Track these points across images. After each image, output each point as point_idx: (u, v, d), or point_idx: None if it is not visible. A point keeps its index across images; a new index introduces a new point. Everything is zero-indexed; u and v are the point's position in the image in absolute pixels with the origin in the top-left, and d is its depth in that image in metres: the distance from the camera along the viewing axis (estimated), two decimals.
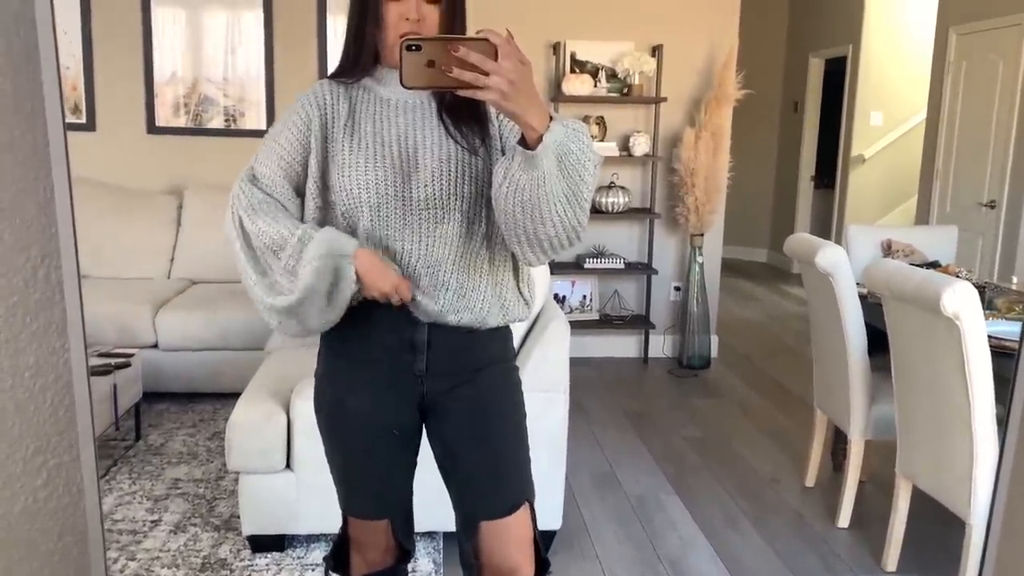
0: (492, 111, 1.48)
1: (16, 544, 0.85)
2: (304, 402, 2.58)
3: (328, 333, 1.55)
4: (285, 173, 1.48)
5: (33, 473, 0.87)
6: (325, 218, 1.49)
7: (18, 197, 0.82)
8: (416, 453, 1.63)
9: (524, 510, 1.58)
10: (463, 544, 1.62)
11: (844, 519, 3.01)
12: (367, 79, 1.50)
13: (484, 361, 1.56)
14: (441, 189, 1.43)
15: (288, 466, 2.63)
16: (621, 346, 5.18)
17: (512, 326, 1.64)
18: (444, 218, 1.44)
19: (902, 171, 7.30)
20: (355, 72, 1.48)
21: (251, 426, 2.59)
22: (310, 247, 1.41)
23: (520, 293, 1.59)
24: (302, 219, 1.50)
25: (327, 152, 1.47)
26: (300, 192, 1.50)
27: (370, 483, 1.61)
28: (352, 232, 1.47)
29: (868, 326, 2.89)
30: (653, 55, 4.80)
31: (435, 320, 1.49)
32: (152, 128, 4.81)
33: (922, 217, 5.79)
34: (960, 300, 2.15)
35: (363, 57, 1.46)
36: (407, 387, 1.54)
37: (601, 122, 4.85)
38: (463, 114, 1.44)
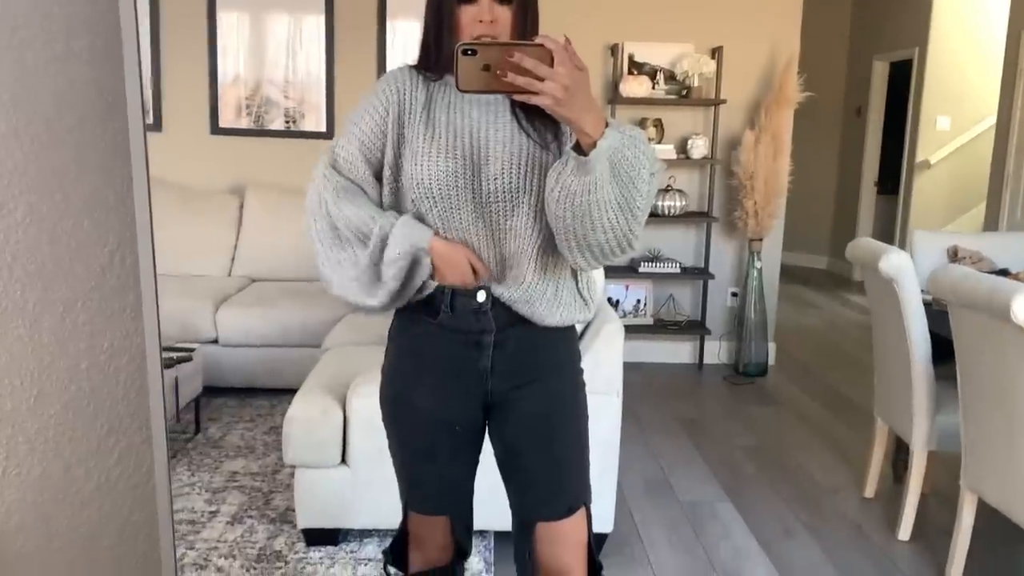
0: None
1: (89, 520, 0.87)
2: (360, 399, 2.61)
3: (395, 329, 1.59)
4: (365, 158, 1.50)
5: (106, 453, 0.89)
6: (397, 204, 1.51)
7: (99, 189, 0.84)
8: (479, 451, 1.64)
9: (580, 514, 1.58)
10: (518, 544, 1.62)
11: (905, 532, 2.93)
12: (447, 76, 1.50)
13: (550, 363, 1.57)
14: (511, 182, 1.43)
15: (344, 461, 2.66)
16: (675, 352, 5.13)
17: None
18: (514, 212, 1.45)
19: (969, 177, 7.10)
20: (433, 68, 1.50)
21: (308, 421, 2.63)
22: (390, 245, 1.44)
23: (580, 293, 1.58)
24: (380, 205, 1.52)
25: (402, 138, 1.48)
26: (379, 177, 1.52)
27: (431, 479, 1.61)
28: (421, 220, 1.48)
29: (932, 334, 2.81)
30: (713, 57, 4.75)
31: (505, 311, 1.50)
32: (215, 129, 4.92)
33: (991, 223, 5.61)
34: None
35: (441, 59, 1.47)
36: (471, 384, 1.54)
37: (659, 124, 4.81)
38: (536, 109, 1.41)
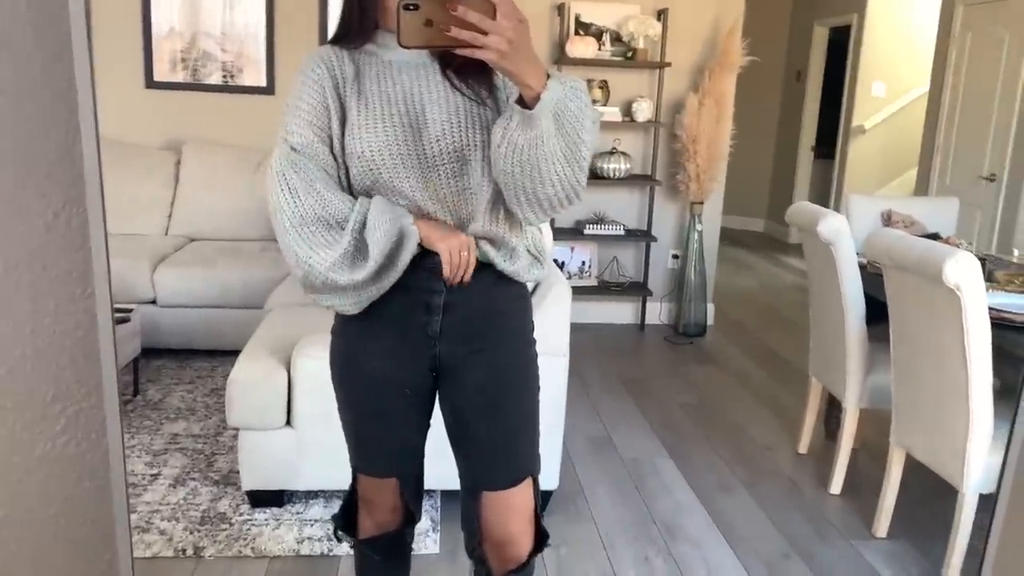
0: None
1: (35, 488, 0.86)
2: (305, 360, 2.58)
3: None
4: (318, 137, 1.43)
5: (52, 419, 0.88)
6: (347, 180, 1.46)
7: (38, 140, 0.81)
8: (429, 415, 1.63)
9: (527, 483, 1.59)
10: (465, 509, 1.63)
11: (836, 486, 3.05)
12: (369, 44, 1.47)
13: (502, 331, 1.55)
14: (454, 141, 1.41)
15: (288, 423, 2.65)
16: (619, 313, 5.20)
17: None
18: (463, 171, 1.42)
19: (903, 143, 7.29)
20: (356, 38, 1.46)
21: (252, 383, 2.60)
22: (371, 213, 1.39)
23: (530, 251, 1.57)
24: (343, 185, 1.46)
25: (344, 111, 1.44)
26: (335, 154, 1.45)
27: (381, 440, 1.61)
28: (368, 196, 1.44)
29: (867, 297, 2.90)
30: (659, 19, 4.76)
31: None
32: (150, 83, 4.75)
33: (921, 189, 5.79)
34: (962, 271, 2.16)
35: (365, 21, 1.44)
36: (420, 348, 1.52)
37: (604, 86, 4.81)
38: (466, 67, 1.41)
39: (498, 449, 1.56)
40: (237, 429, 2.67)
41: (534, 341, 1.62)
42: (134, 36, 4.69)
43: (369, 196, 1.44)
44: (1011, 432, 0.91)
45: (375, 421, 1.59)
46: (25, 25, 0.76)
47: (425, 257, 1.46)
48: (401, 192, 1.42)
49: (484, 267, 1.50)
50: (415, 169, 1.41)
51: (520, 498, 1.58)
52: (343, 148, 1.44)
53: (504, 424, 1.56)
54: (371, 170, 1.41)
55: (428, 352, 1.52)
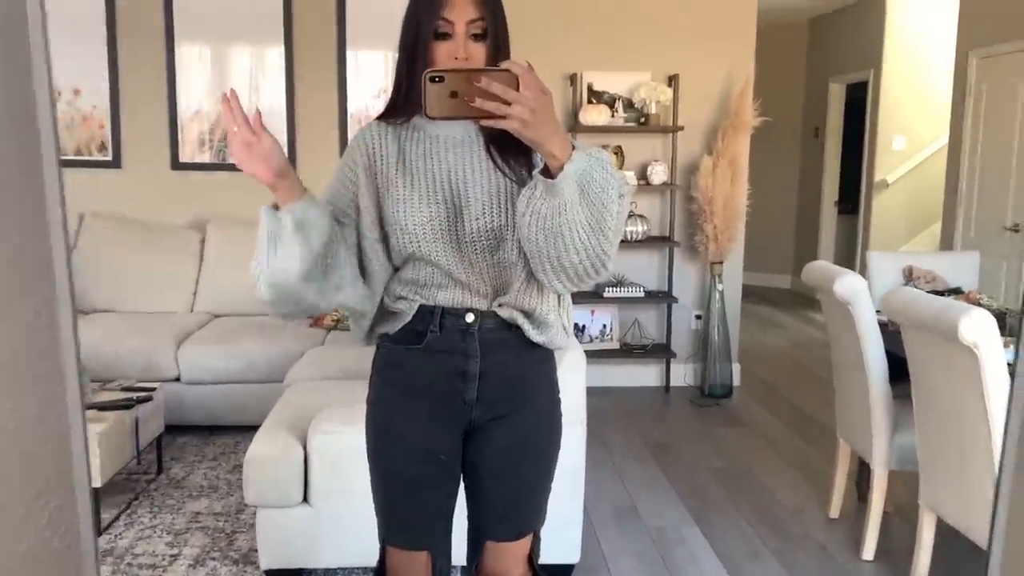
0: None
1: None
2: (321, 436, 2.59)
3: (380, 359, 1.61)
4: (329, 200, 1.52)
5: (37, 514, 0.89)
6: (385, 251, 1.53)
7: (22, 242, 0.83)
8: (459, 481, 1.66)
9: (529, 535, 1.67)
10: (470, 552, 1.70)
11: (869, 551, 2.95)
12: (415, 118, 1.53)
13: (530, 393, 1.61)
14: (492, 221, 1.46)
15: (306, 499, 2.64)
16: (642, 375, 5.15)
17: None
18: (498, 247, 1.48)
19: (926, 195, 7.24)
20: (404, 111, 1.52)
21: (268, 460, 2.60)
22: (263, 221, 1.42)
23: (561, 320, 1.61)
24: (359, 252, 1.51)
25: (379, 189, 1.51)
26: (338, 217, 1.49)
27: (414, 508, 1.62)
28: (406, 263, 1.52)
29: (889, 354, 2.85)
30: (669, 85, 4.82)
31: (491, 333, 1.53)
32: (176, 164, 4.89)
33: (947, 241, 5.72)
34: (978, 328, 2.12)
35: (412, 97, 1.48)
36: (457, 415, 1.57)
37: (619, 151, 4.86)
38: (509, 146, 1.47)
39: (507, 505, 1.63)
40: (256, 507, 2.66)
41: (559, 400, 1.68)
42: (160, 119, 4.85)
43: (405, 264, 1.51)
44: (998, 480, 0.88)
45: (409, 490, 1.61)
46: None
47: (456, 318, 1.52)
48: (437, 263, 1.49)
49: (515, 333, 1.55)
50: (452, 244, 1.48)
51: (519, 547, 1.66)
52: (382, 223, 1.51)
53: (518, 483, 1.62)
54: (411, 243, 1.47)
55: (464, 418, 1.58)
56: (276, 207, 1.41)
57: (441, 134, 1.52)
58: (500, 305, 1.53)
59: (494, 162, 1.48)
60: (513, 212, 1.46)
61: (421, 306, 1.53)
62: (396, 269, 1.56)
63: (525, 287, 1.52)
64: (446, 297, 1.52)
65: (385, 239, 1.52)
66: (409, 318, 1.54)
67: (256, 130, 1.34)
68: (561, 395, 2.44)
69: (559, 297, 1.59)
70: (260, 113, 1.38)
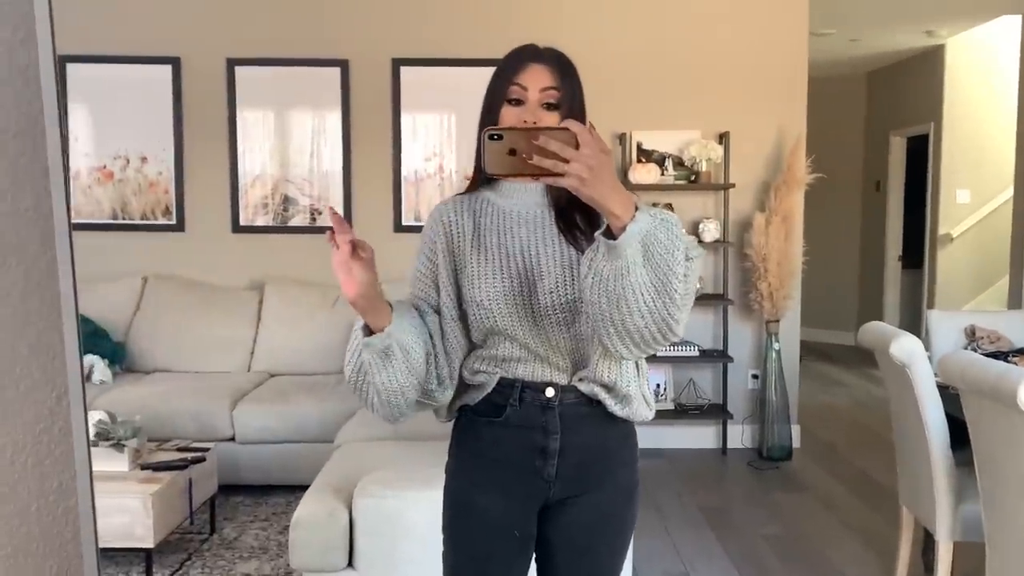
0: None
1: None
2: (366, 499, 2.58)
3: (460, 430, 1.61)
4: (424, 295, 1.55)
5: None
6: (463, 328, 1.54)
7: (44, 336, 0.86)
8: (531, 559, 1.63)
9: None
10: None
11: None
12: (487, 192, 1.56)
13: (609, 470, 1.57)
14: (566, 294, 1.45)
15: (351, 564, 2.63)
16: (698, 437, 5.04)
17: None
18: (574, 320, 1.47)
19: (993, 249, 7.02)
20: (475, 186, 1.56)
21: (313, 524, 2.60)
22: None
23: (642, 392, 1.57)
24: (441, 333, 1.53)
25: (457, 267, 1.53)
26: (437, 308, 1.54)
27: None
28: (485, 338, 1.52)
29: (951, 418, 2.74)
30: (720, 142, 4.81)
31: (572, 407, 1.51)
32: (236, 227, 5.04)
33: (1015, 297, 5.53)
34: None
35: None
36: (535, 492, 1.55)
37: (669, 209, 4.84)
38: (577, 219, 1.48)
39: None
40: (301, 572, 2.66)
41: (639, 482, 1.63)
42: (222, 183, 5.01)
43: (485, 340, 1.52)
44: None
45: (481, 566, 1.59)
46: (27, 236, 0.82)
47: (536, 392, 1.50)
48: (515, 338, 1.49)
49: (597, 408, 1.52)
50: (528, 319, 1.47)
51: None
52: (459, 300, 1.53)
53: (592, 562, 1.58)
54: (487, 318, 1.48)
55: (542, 495, 1.55)
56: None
57: (513, 209, 1.52)
58: (580, 379, 1.50)
59: (565, 236, 1.48)
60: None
61: (501, 378, 1.52)
62: (475, 346, 1.56)
63: (604, 360, 1.48)
64: (525, 371, 1.51)
65: (463, 317, 1.53)
66: (489, 390, 1.52)
67: (355, 258, 1.32)
68: None
69: (638, 367, 1.55)
70: (365, 248, 1.34)
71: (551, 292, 1.45)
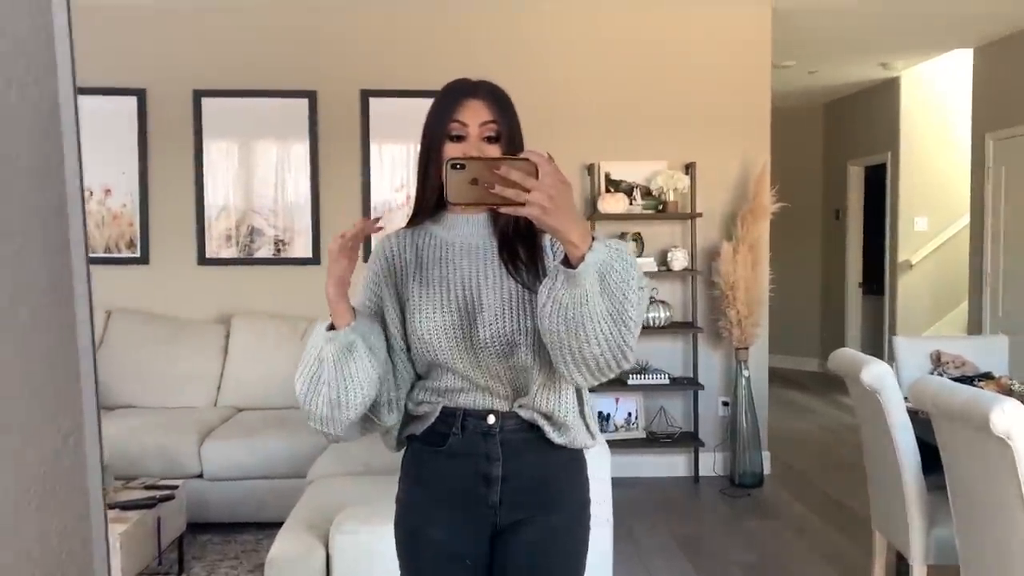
0: (547, 247, 1.54)
1: None
2: (343, 535, 2.54)
3: (407, 460, 1.63)
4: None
5: None
6: (407, 361, 1.57)
7: (50, 376, 0.85)
8: None
9: None
10: None
11: None
12: (430, 223, 1.58)
13: (556, 495, 1.59)
14: (504, 326, 1.48)
15: None
16: (670, 465, 5.05)
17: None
18: (512, 352, 1.49)
19: (952, 275, 7.18)
20: (422, 215, 1.58)
21: (289, 561, 2.56)
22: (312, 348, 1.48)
23: (584, 420, 1.59)
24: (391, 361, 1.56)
25: (401, 299, 1.56)
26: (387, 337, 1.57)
27: None
28: (428, 370, 1.55)
29: (922, 442, 2.78)
30: (686, 172, 4.88)
31: (513, 435, 1.53)
32: (202, 259, 4.98)
33: (974, 323, 5.65)
34: (1010, 419, 2.06)
35: (428, 198, 1.55)
36: (481, 519, 1.57)
37: (638, 238, 4.90)
38: (520, 252, 1.51)
39: None
40: None
41: (589, 501, 1.65)
42: (188, 215, 4.96)
43: (429, 372, 1.55)
44: None
45: None
46: (41, 277, 0.81)
47: (478, 420, 1.53)
48: (456, 370, 1.51)
49: (537, 434, 1.55)
50: (468, 352, 1.50)
51: None
52: (405, 330, 1.55)
53: None
54: (428, 351, 1.50)
55: (488, 522, 1.57)
56: (332, 328, 1.46)
57: (456, 240, 1.55)
58: (520, 406, 1.53)
59: (506, 268, 1.50)
60: (525, 318, 1.48)
61: (444, 407, 1.55)
62: (419, 377, 1.59)
63: (543, 390, 1.52)
64: (467, 400, 1.54)
65: (409, 348, 1.56)
66: (432, 420, 1.55)
67: (352, 249, 1.44)
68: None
69: (579, 398, 1.58)
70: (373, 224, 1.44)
71: (490, 324, 1.48)
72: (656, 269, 4.84)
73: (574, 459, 1.62)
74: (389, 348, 1.55)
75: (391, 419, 1.56)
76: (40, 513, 0.81)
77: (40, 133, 0.77)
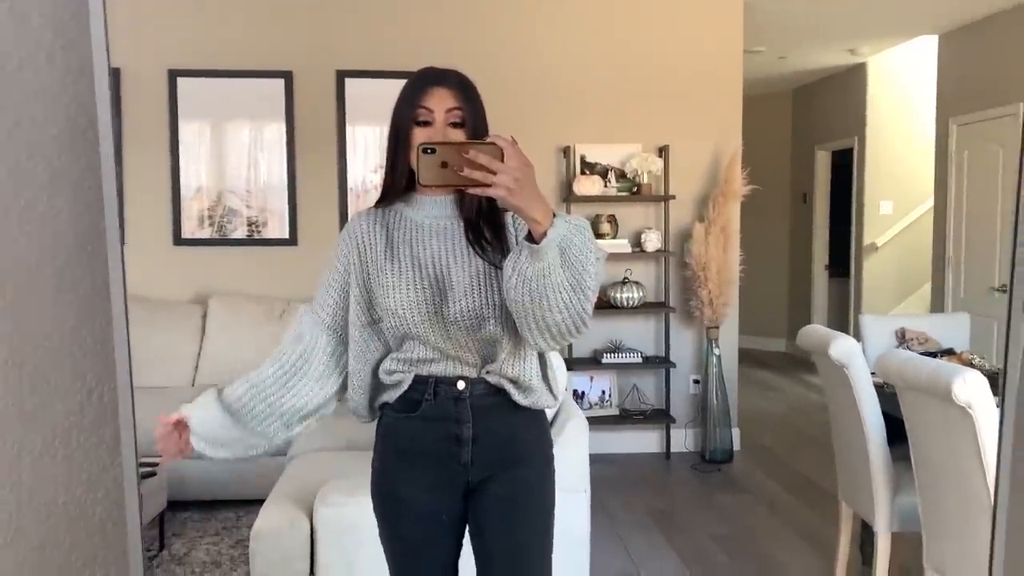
0: (510, 226, 1.64)
1: None
2: (328, 508, 2.60)
3: (382, 427, 1.73)
4: (340, 308, 1.70)
5: None
6: (376, 334, 1.66)
7: (78, 330, 0.89)
8: (461, 539, 1.75)
9: None
10: None
11: None
12: (400, 204, 1.67)
13: (522, 452, 1.70)
14: (473, 302, 1.58)
15: (312, 573, 2.63)
16: (643, 442, 5.16)
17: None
18: (480, 326, 1.59)
19: (915, 258, 7.37)
20: (391, 196, 1.67)
21: (274, 534, 2.61)
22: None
23: (547, 383, 1.72)
24: (347, 338, 1.70)
25: (368, 276, 1.64)
26: (320, 312, 1.71)
27: (419, 569, 1.71)
28: (400, 343, 1.64)
29: (887, 416, 2.89)
30: (660, 155, 4.96)
31: (481, 399, 1.65)
32: (178, 240, 4.97)
33: (937, 303, 5.82)
34: (971, 389, 2.17)
35: (397, 181, 1.64)
36: (455, 478, 1.67)
37: (613, 220, 4.97)
38: (485, 233, 1.61)
39: (511, 563, 1.70)
40: None
41: (552, 458, 1.77)
42: (163, 195, 4.94)
43: (401, 345, 1.64)
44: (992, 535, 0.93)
45: (414, 549, 1.71)
46: (70, 234, 0.85)
47: (449, 386, 1.63)
48: (428, 342, 1.61)
49: (504, 397, 1.66)
50: (439, 325, 1.59)
51: None
52: (371, 305, 1.64)
53: (516, 537, 1.70)
54: (402, 325, 1.60)
55: (461, 479, 1.68)
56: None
57: (425, 221, 1.65)
58: (488, 372, 1.64)
59: (473, 247, 1.60)
60: (492, 292, 1.58)
61: (416, 376, 1.65)
62: (389, 349, 1.68)
63: (510, 358, 1.64)
64: (438, 368, 1.64)
65: (374, 323, 1.65)
66: (405, 388, 1.65)
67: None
68: (564, 464, 2.48)
69: (541, 362, 1.71)
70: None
71: (460, 300, 1.58)
72: (630, 250, 4.92)
73: (536, 419, 1.74)
74: (350, 326, 1.66)
75: (329, 408, 1.74)
76: (67, 463, 0.85)
77: (71, 98, 0.81)
